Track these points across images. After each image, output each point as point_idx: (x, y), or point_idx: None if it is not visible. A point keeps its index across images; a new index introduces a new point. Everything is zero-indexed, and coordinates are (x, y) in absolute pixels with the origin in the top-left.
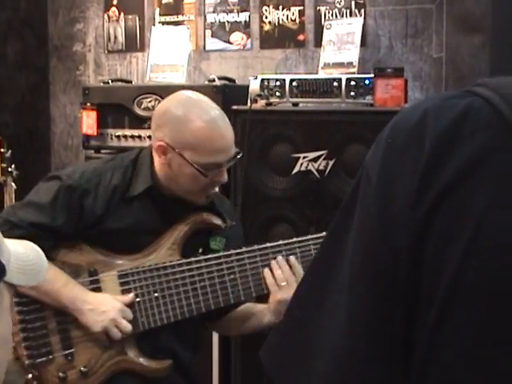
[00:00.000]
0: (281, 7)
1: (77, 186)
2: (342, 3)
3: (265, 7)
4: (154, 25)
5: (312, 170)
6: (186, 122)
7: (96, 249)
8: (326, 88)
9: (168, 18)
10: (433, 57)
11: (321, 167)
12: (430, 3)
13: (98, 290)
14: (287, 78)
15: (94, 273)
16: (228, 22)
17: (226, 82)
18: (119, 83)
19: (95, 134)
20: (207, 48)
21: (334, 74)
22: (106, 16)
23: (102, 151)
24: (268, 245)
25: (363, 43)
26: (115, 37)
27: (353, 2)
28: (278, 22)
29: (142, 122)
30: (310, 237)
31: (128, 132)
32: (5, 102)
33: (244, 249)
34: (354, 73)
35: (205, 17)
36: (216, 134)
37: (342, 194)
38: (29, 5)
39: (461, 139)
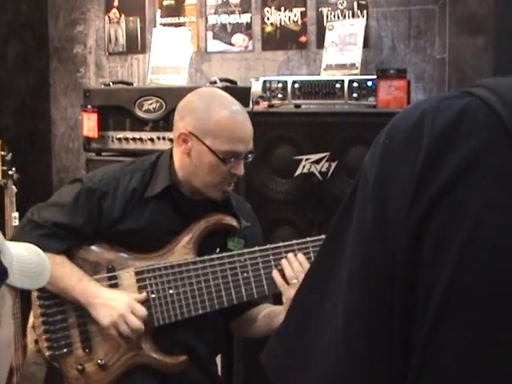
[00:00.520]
0: (283, 8)
1: (96, 189)
2: (345, 4)
3: (266, 8)
4: (155, 26)
5: (314, 172)
6: (209, 110)
7: (115, 248)
8: (328, 90)
9: (169, 20)
10: (436, 58)
11: (323, 169)
12: (432, 4)
13: (115, 286)
14: (289, 79)
15: (112, 270)
16: (229, 23)
17: (228, 84)
18: (120, 85)
19: (96, 136)
20: (209, 50)
21: (337, 75)
22: (106, 18)
23: (103, 154)
24: (281, 244)
25: (366, 44)
26: (116, 39)
27: (355, 3)
28: (280, 24)
29: (143, 125)
30: (324, 236)
31: (129, 134)
32: (5, 104)
33: (257, 248)
34: (356, 74)
35: (206, 18)
36: (237, 123)
37: (344, 196)
38: (29, 7)
39: (457, 140)
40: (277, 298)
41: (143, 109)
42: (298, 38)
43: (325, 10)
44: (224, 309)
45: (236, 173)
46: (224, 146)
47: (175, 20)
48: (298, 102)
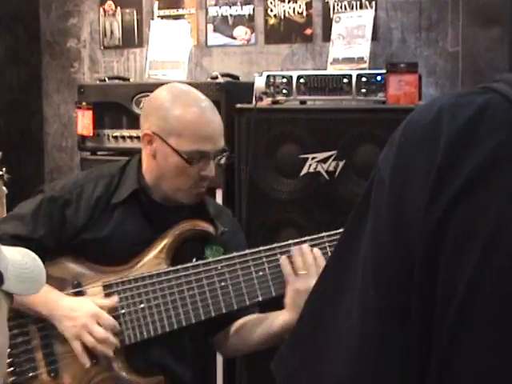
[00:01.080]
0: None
1: (58, 197)
2: None
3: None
4: (152, 19)
5: (321, 172)
6: (172, 108)
7: (80, 262)
8: (335, 85)
9: (167, 12)
10: (448, 51)
11: (330, 168)
12: None
13: None
14: (294, 74)
15: (78, 285)
16: (231, 15)
17: (230, 79)
18: (116, 81)
19: (91, 134)
20: (209, 43)
21: (344, 69)
22: (101, 10)
23: (99, 153)
24: (261, 248)
25: (374, 37)
26: (111, 32)
27: None
28: (284, 16)
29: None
30: (307, 238)
31: (126, 132)
32: None
33: (234, 254)
34: (364, 68)
35: (206, 10)
36: (203, 120)
37: (353, 196)
38: None
39: (478, 138)
40: (263, 307)
41: (141, 106)
42: (303, 31)
43: (331, 1)
44: (203, 323)
45: (205, 175)
46: (189, 146)
47: (174, 12)
48: (303, 97)
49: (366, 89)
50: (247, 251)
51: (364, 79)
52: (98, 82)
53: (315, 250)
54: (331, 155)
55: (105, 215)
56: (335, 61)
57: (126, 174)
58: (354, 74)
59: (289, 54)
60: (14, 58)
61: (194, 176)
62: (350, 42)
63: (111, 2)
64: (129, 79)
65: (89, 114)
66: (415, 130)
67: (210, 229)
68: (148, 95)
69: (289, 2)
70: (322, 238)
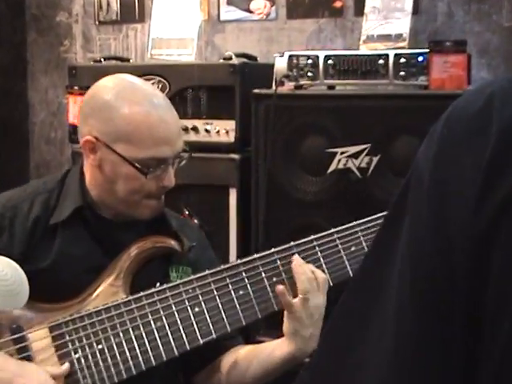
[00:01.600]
0: None
1: None
2: None
3: None
4: None
5: (352, 169)
6: (117, 107)
7: (45, 307)
8: (369, 67)
9: None
10: (503, 26)
11: (363, 165)
12: None
13: (25, 349)
14: (321, 54)
15: (18, 330)
16: None
17: (246, 60)
18: (113, 62)
19: None
20: (222, 18)
21: (380, 49)
22: None
23: None
24: (238, 262)
25: (416, 10)
26: (108, 4)
27: None
28: None
29: None
30: (292, 244)
31: None
32: None
33: (207, 271)
34: (403, 47)
35: None
36: (156, 119)
37: (389, 197)
38: None
39: None
40: (247, 338)
41: None
42: (332, 4)
43: None
44: (177, 361)
45: (165, 185)
46: (142, 153)
47: None
48: (331, 82)
49: (406, 71)
50: (222, 267)
51: (403, 60)
52: (92, 62)
53: (309, 265)
54: (364, 149)
55: (45, 240)
56: (369, 39)
57: (67, 189)
58: (392, 54)
59: (315, 30)
60: None
61: (150, 188)
62: (387, 17)
63: None
64: (128, 60)
65: (81, 100)
66: (460, 120)
67: (175, 245)
68: (151, 78)
69: None
70: (332, 234)
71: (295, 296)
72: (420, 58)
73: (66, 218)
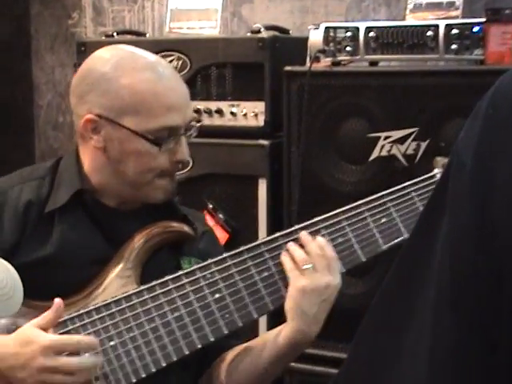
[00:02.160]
0: None
1: None
2: None
3: None
4: None
5: (397, 156)
6: (118, 77)
7: (26, 303)
8: (416, 40)
9: None
10: None
11: (409, 151)
12: None
13: None
14: (361, 26)
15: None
16: None
17: (276, 34)
18: (128, 37)
19: None
20: None
21: (428, 19)
22: None
23: None
24: (262, 241)
25: None
26: None
27: None
28: None
29: None
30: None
31: None
32: None
33: (226, 254)
34: (456, 17)
35: None
36: (162, 86)
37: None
38: None
39: None
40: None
41: None
42: None
43: None
44: (189, 362)
45: (180, 159)
46: (151, 123)
47: None
48: (373, 57)
49: (458, 45)
50: (242, 248)
51: (455, 31)
52: (103, 37)
53: (319, 238)
54: (410, 133)
55: (40, 230)
56: (416, 8)
57: (60, 176)
58: (442, 24)
59: None
60: None
61: (162, 164)
62: None
63: None
64: (144, 34)
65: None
66: (508, 98)
67: (187, 229)
68: (169, 55)
69: None
70: (359, 206)
71: None
72: (475, 29)
73: (65, 204)
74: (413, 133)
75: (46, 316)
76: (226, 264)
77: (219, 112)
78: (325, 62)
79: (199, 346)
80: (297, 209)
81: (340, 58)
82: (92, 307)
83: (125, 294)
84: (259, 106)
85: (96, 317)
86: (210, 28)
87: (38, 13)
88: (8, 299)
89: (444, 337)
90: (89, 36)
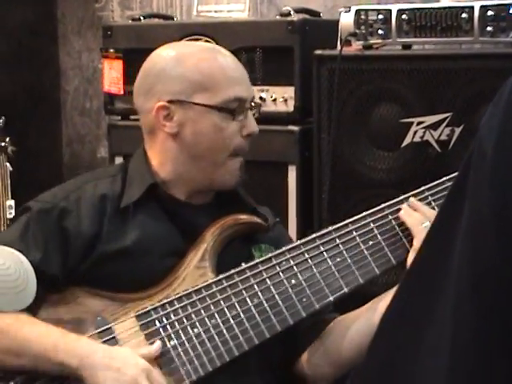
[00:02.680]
0: None
1: (50, 208)
2: None
3: None
4: None
5: (430, 142)
6: (182, 61)
7: (98, 293)
8: (450, 22)
9: None
10: None
11: (443, 137)
12: None
13: (112, 341)
14: (394, 8)
15: (103, 322)
16: None
17: (307, 17)
18: (155, 20)
19: (122, 92)
20: None
21: (463, 0)
22: None
23: (132, 117)
24: (332, 228)
25: None
26: None
27: None
28: None
29: None
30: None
31: None
32: None
33: (299, 241)
34: None
35: None
36: (225, 62)
37: None
38: None
39: None
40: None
41: None
42: None
43: None
44: (274, 350)
45: (250, 131)
46: (222, 95)
47: None
48: (406, 40)
49: (494, 26)
50: (314, 235)
51: (491, 13)
52: (130, 21)
53: (422, 208)
54: (444, 119)
55: (116, 223)
56: None
57: (131, 173)
58: (477, 5)
59: None
60: None
61: (235, 136)
62: None
63: None
64: (172, 18)
65: (118, 64)
66: None
67: (259, 220)
68: (197, 39)
69: None
70: (423, 192)
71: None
72: None
73: (139, 198)
74: (446, 118)
75: (149, 352)
76: (300, 251)
77: None
78: (356, 46)
79: (279, 329)
80: (327, 197)
81: (372, 42)
82: (173, 297)
83: (204, 283)
84: (289, 91)
85: (178, 306)
86: (238, 11)
87: None
88: (21, 291)
89: (465, 323)
90: (116, 20)
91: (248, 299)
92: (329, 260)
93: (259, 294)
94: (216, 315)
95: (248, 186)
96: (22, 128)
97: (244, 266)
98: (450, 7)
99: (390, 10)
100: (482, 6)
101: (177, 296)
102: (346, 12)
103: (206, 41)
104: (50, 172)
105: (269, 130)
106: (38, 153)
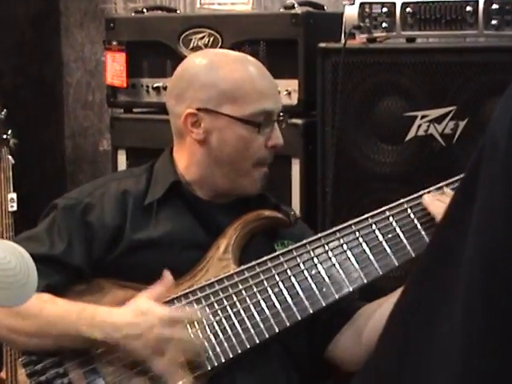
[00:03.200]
0: None
1: (75, 204)
2: None
3: None
4: None
5: (434, 135)
6: (214, 69)
7: (123, 284)
8: (454, 15)
9: None
10: None
11: (447, 131)
12: None
13: None
14: (398, 1)
15: None
16: None
17: (310, 9)
18: (158, 12)
19: (125, 85)
20: None
21: None
22: None
23: (135, 110)
24: (352, 222)
25: None
26: None
27: None
28: None
29: None
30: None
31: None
32: None
33: (320, 234)
34: None
35: None
36: (255, 74)
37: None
38: None
39: None
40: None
41: (190, 46)
42: None
43: None
44: (297, 342)
45: (275, 143)
46: (249, 108)
47: None
48: (410, 33)
49: (499, 20)
50: (334, 228)
51: (495, 6)
52: (133, 14)
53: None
54: (448, 112)
55: (140, 218)
56: None
57: (156, 173)
58: None
59: None
60: None
61: (259, 151)
62: None
63: None
64: (175, 10)
65: (121, 57)
66: None
67: (281, 216)
68: (200, 31)
69: None
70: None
71: None
72: None
73: (163, 196)
74: (451, 112)
75: (157, 289)
76: (320, 243)
77: None
78: (360, 39)
79: (299, 318)
80: (331, 190)
81: (376, 35)
82: (196, 286)
83: (227, 274)
84: (293, 84)
85: (200, 295)
86: (242, 4)
87: None
88: (21, 286)
89: (476, 316)
90: (119, 12)
91: (269, 289)
92: (349, 252)
93: (280, 283)
94: (237, 304)
95: None
96: (25, 121)
97: (266, 257)
98: (454, 0)
99: (395, 3)
100: (486, 0)
101: (199, 286)
102: (350, 5)
103: (210, 33)
104: (53, 165)
105: None
106: (41, 146)
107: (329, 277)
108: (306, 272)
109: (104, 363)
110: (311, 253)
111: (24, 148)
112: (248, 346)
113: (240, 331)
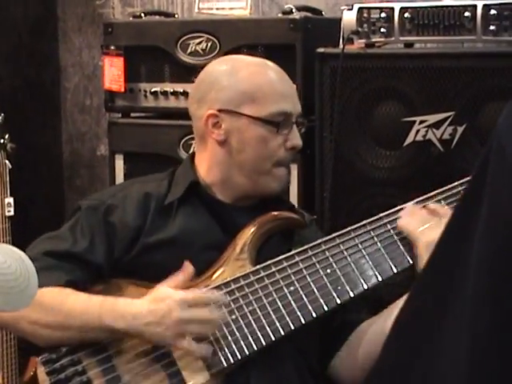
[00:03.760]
0: None
1: (98, 205)
2: None
3: None
4: None
5: (433, 141)
6: (235, 71)
7: (140, 283)
8: (453, 21)
9: None
10: None
11: (446, 136)
12: None
13: None
14: (396, 6)
15: None
16: None
17: (309, 15)
18: (156, 18)
19: (122, 90)
20: None
21: None
22: None
23: (133, 115)
24: (366, 221)
25: None
26: None
27: None
28: None
29: (188, 73)
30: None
31: (169, 87)
32: None
33: (334, 234)
34: None
35: None
36: (275, 77)
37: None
38: None
39: None
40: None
41: (188, 51)
42: None
43: None
44: (310, 348)
45: (294, 144)
46: (268, 108)
47: None
48: (408, 38)
49: (497, 25)
50: (348, 228)
51: (493, 12)
52: (131, 18)
53: (429, 204)
54: (447, 118)
55: (160, 218)
56: None
57: (178, 176)
58: (480, 4)
59: None
60: None
61: (279, 151)
62: None
63: None
64: (173, 15)
65: (119, 61)
66: None
67: (296, 217)
68: (198, 36)
69: None
70: (435, 196)
71: None
72: None
73: (182, 197)
74: (449, 117)
75: (177, 278)
76: (335, 243)
77: None
78: (358, 44)
79: (314, 316)
80: (329, 195)
81: (374, 40)
82: (212, 285)
83: (243, 273)
84: None
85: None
86: (240, 9)
87: None
88: (21, 291)
89: (483, 324)
90: (116, 17)
91: (284, 287)
92: (363, 251)
93: (295, 282)
94: (253, 302)
95: None
96: (22, 125)
97: (281, 256)
98: (452, 6)
99: (393, 8)
100: (484, 5)
101: (215, 285)
102: (348, 10)
103: (208, 38)
104: (50, 169)
105: None
106: (38, 150)
107: (343, 275)
108: (321, 271)
109: (122, 361)
110: (326, 252)
111: (21, 152)
112: (264, 344)
113: (256, 329)
